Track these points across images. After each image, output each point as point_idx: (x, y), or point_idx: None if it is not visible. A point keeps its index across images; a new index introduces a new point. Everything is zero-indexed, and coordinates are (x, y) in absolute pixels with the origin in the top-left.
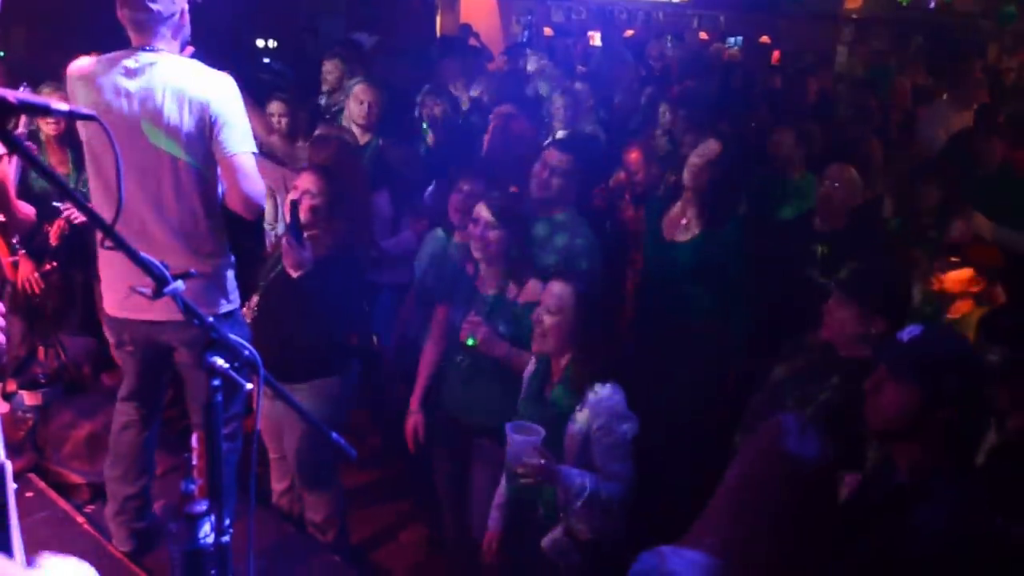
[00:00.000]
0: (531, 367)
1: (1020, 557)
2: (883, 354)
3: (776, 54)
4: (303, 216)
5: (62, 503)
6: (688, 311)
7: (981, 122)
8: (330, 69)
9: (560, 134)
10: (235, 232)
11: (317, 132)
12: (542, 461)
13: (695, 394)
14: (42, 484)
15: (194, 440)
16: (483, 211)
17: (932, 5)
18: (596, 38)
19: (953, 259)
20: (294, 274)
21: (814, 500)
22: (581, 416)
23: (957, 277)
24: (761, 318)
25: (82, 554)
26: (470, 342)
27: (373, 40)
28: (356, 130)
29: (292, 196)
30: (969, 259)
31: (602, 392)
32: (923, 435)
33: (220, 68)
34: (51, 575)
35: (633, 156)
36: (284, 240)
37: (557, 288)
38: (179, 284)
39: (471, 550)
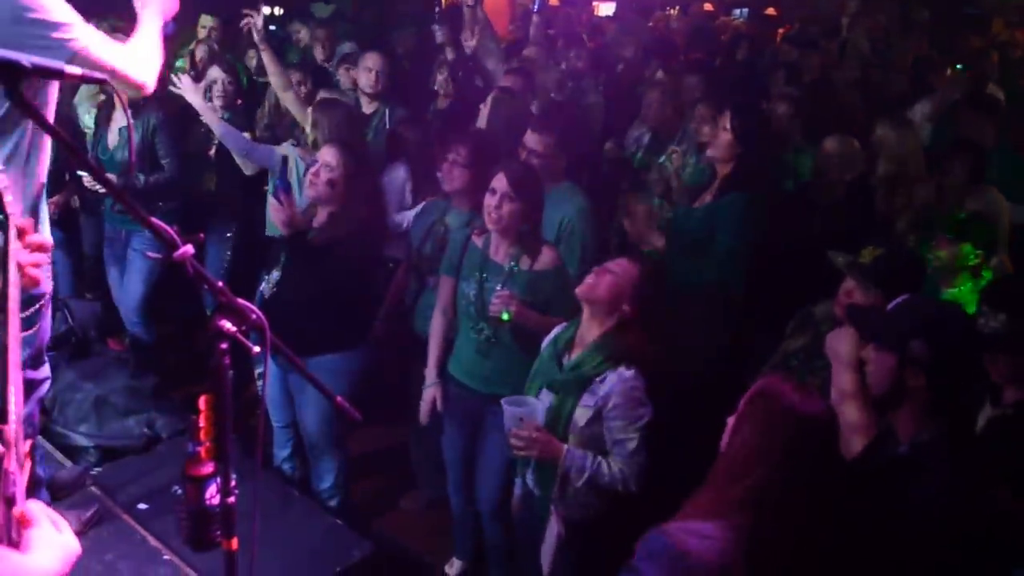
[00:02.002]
0: (556, 331)
1: (1014, 532)
2: (855, 321)
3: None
4: (320, 190)
5: (68, 465)
6: (688, 283)
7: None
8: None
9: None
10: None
11: (321, 96)
12: (533, 435)
13: (696, 367)
14: (49, 446)
15: (201, 402)
16: (501, 182)
17: None
18: (600, 8)
19: (951, 234)
20: (286, 232)
21: (820, 457)
22: (602, 388)
23: (956, 252)
24: (762, 291)
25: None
26: (505, 316)
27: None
28: (363, 99)
29: (313, 169)
30: (969, 233)
31: (626, 373)
32: (913, 403)
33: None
34: (36, 562)
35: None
36: (270, 199)
37: (628, 264)
38: (189, 248)
39: (475, 517)
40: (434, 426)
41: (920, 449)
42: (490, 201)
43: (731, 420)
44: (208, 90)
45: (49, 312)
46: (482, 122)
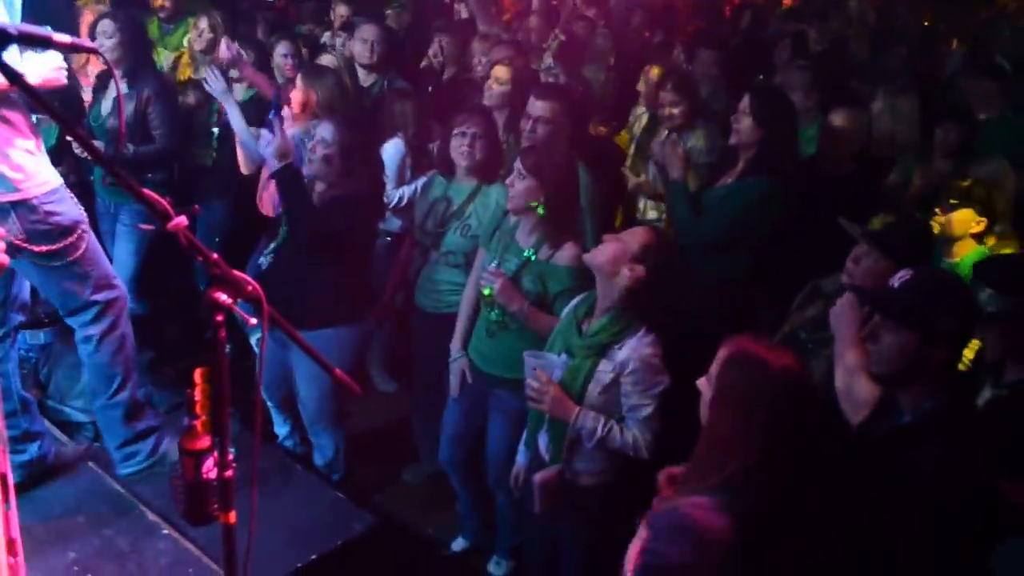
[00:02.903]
0: (577, 298)
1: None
2: (875, 302)
3: None
4: (317, 167)
5: (65, 440)
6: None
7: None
8: (341, 11)
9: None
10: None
11: (308, 64)
12: (546, 386)
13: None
14: (46, 422)
15: (196, 375)
16: (516, 162)
17: None
18: None
19: (953, 200)
20: (279, 163)
21: (804, 414)
22: (620, 354)
23: (958, 218)
24: (771, 265)
25: (85, 490)
26: (486, 291)
27: None
28: (361, 71)
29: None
30: (971, 198)
31: (644, 339)
32: (921, 376)
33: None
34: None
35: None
36: (263, 137)
37: (641, 230)
38: (183, 219)
39: (474, 494)
40: (436, 399)
41: (923, 418)
42: (510, 180)
43: (703, 386)
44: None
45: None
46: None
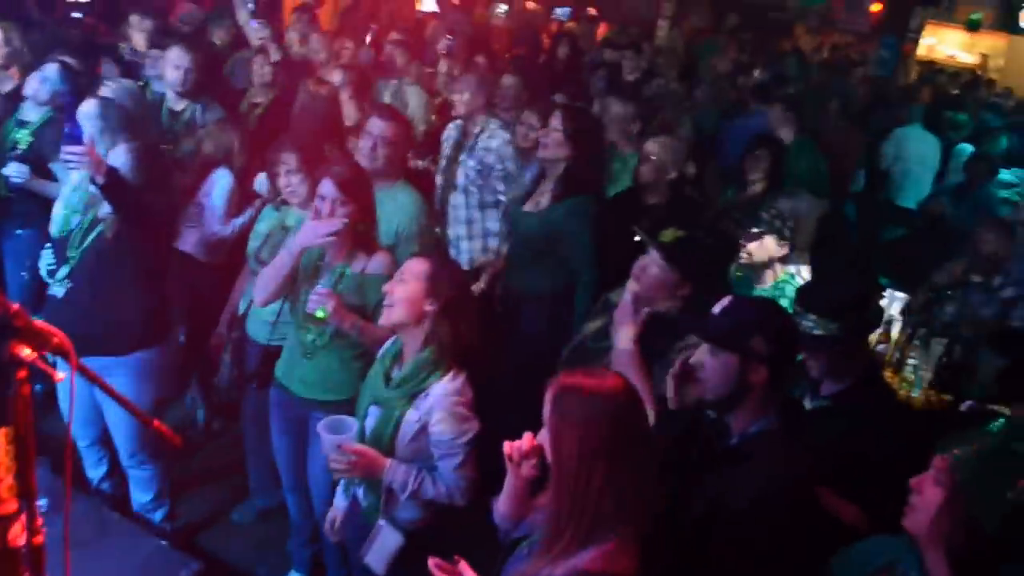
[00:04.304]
0: (385, 345)
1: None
2: (696, 328)
3: (603, 27)
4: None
5: None
6: (534, 286)
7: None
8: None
9: None
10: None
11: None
12: (352, 458)
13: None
14: None
15: None
16: (328, 187)
17: None
18: (423, 2)
19: (755, 230)
20: (100, 181)
21: (638, 432)
22: (425, 402)
23: (759, 245)
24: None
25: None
26: (320, 314)
27: None
28: (171, 96)
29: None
30: (773, 228)
31: (448, 386)
32: (749, 399)
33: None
34: None
35: None
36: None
37: (415, 263)
38: None
39: (312, 527)
40: (267, 430)
41: (748, 440)
42: (320, 208)
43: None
44: None
45: None
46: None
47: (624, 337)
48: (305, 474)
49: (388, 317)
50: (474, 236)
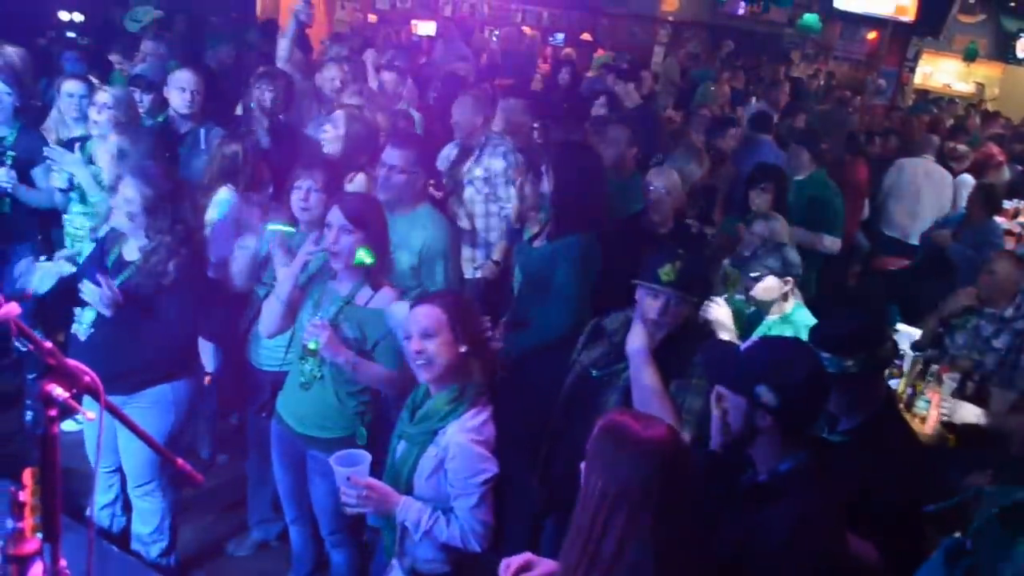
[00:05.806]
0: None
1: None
2: (717, 371)
3: (599, 51)
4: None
5: None
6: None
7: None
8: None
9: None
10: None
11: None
12: (363, 492)
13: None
14: None
15: (25, 476)
16: (336, 215)
17: (740, 12)
18: (418, 27)
19: (754, 273)
20: (108, 313)
21: (678, 484)
22: (444, 438)
23: (763, 287)
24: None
25: None
26: (312, 345)
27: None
28: (177, 119)
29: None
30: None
31: (468, 423)
32: (766, 439)
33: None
34: None
35: None
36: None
37: (424, 311)
38: (13, 307)
39: (314, 560)
40: (268, 461)
41: (779, 477)
42: (328, 234)
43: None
44: None
45: None
46: (334, 143)
47: (637, 336)
48: (307, 506)
49: (431, 374)
50: (477, 244)
